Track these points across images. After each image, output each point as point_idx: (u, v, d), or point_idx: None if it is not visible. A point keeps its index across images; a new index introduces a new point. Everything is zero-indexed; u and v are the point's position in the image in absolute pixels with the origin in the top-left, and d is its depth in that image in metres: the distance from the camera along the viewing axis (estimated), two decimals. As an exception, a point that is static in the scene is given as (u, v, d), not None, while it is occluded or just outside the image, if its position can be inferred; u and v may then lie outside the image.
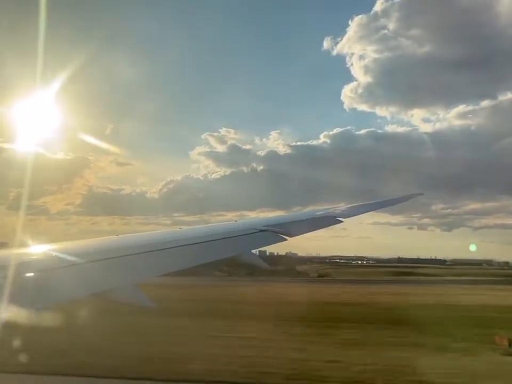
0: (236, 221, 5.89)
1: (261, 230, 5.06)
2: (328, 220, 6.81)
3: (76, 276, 3.38)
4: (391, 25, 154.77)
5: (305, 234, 5.76)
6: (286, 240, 5.24)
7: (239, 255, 4.63)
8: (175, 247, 4.38)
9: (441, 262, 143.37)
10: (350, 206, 9.40)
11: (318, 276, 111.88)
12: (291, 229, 5.53)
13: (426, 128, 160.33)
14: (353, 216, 8.05)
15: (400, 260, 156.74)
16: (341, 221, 7.21)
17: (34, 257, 3.74)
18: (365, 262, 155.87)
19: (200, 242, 4.57)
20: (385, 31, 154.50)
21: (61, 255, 3.65)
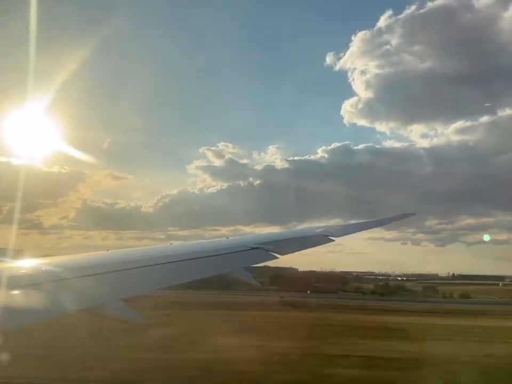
0: (227, 237, 5.88)
1: (252, 248, 5.04)
2: (320, 239, 6.82)
3: (62, 291, 3.34)
4: (394, 41, 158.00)
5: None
6: (277, 258, 5.22)
7: (229, 273, 4.60)
8: (165, 263, 4.35)
9: (499, 279, 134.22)
10: (343, 225, 9.45)
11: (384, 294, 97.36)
12: (282, 247, 5.52)
13: (423, 143, 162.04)
14: (346, 235, 8.09)
15: (454, 276, 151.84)
16: (333, 240, 7.23)
17: (20, 271, 3.69)
18: (391, 278, 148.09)
19: (190, 259, 4.54)
20: (388, 46, 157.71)
21: (48, 270, 3.61)
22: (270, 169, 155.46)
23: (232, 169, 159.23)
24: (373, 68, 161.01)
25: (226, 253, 4.82)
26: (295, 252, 5.76)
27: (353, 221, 10.50)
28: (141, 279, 4.08)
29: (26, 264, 3.93)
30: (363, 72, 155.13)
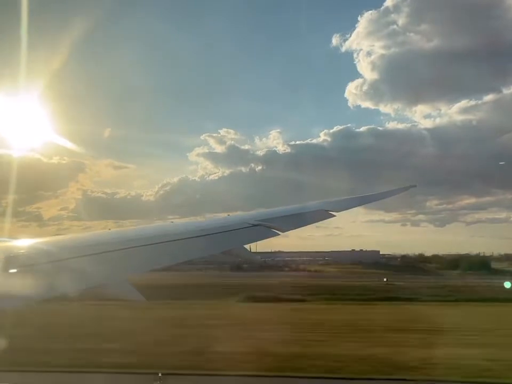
0: (228, 215, 5.88)
1: (254, 225, 5.05)
2: (321, 214, 6.80)
3: (65, 271, 3.35)
4: (401, 21, 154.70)
5: (299, 233, 5.77)
6: (279, 234, 5.24)
7: (231, 250, 4.63)
8: (166, 241, 4.36)
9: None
10: (343, 199, 9.41)
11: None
12: (283, 223, 5.53)
13: (426, 124, 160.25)
14: (346, 209, 8.07)
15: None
16: (334, 215, 7.21)
17: (23, 250, 3.69)
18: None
19: (191, 237, 4.55)
20: (394, 26, 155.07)
21: (50, 249, 3.62)
22: (271, 154, 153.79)
23: (234, 156, 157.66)
24: (378, 48, 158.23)
25: (227, 231, 4.83)
26: (296, 228, 5.77)
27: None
28: (142, 257, 4.07)
29: (26, 243, 3.92)
30: (368, 53, 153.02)
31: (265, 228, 5.13)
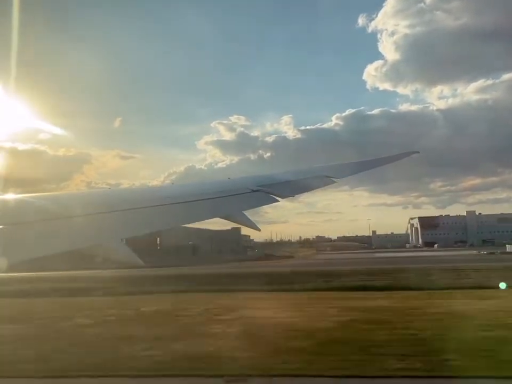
0: (229, 178, 5.80)
1: (253, 191, 4.99)
2: (322, 180, 6.74)
3: (58, 229, 3.30)
4: None
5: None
6: (278, 201, 5.19)
7: (229, 215, 4.59)
8: (165, 204, 4.31)
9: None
10: (344, 163, 9.29)
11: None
12: (284, 189, 5.47)
13: (440, 104, 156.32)
14: (348, 176, 8.00)
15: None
16: (335, 181, 7.14)
17: (13, 207, 3.61)
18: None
19: (191, 201, 4.50)
20: (422, 4, 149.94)
21: (46, 206, 3.56)
22: (281, 140, 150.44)
23: (243, 142, 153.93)
24: (403, 28, 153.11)
25: (226, 196, 4.77)
26: (296, 194, 5.72)
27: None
28: (139, 219, 4.03)
29: (20, 199, 3.84)
30: (392, 33, 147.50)
31: (265, 193, 5.08)
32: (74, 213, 3.55)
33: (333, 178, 7.06)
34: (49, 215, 3.39)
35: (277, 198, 5.18)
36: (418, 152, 11.57)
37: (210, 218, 4.49)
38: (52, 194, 4.36)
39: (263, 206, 5.00)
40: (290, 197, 5.48)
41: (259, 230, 4.63)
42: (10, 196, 3.90)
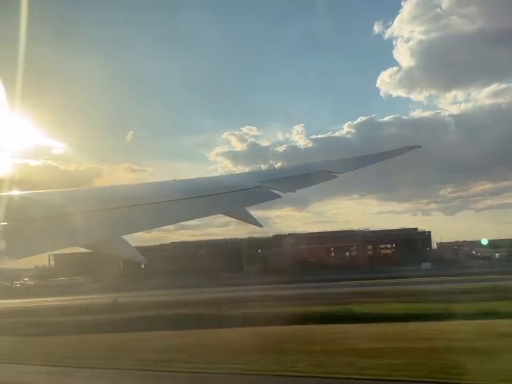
0: (231, 174, 5.83)
1: (255, 187, 5.01)
2: (323, 175, 6.74)
3: (62, 226, 3.33)
4: (445, 4, 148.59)
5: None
6: (280, 197, 5.21)
7: (231, 212, 4.62)
8: (167, 201, 4.33)
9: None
10: (344, 158, 9.29)
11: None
12: (285, 185, 5.48)
13: (453, 110, 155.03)
14: (349, 171, 7.98)
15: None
16: (336, 176, 7.15)
17: (21, 203, 3.64)
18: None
19: (193, 197, 4.52)
20: (438, 9, 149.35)
21: (50, 203, 3.59)
22: (292, 149, 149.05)
23: (254, 153, 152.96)
24: (418, 34, 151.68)
25: (227, 192, 4.79)
26: (298, 189, 5.73)
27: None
28: (141, 216, 4.05)
29: (28, 196, 3.87)
30: (407, 39, 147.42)
31: (266, 189, 5.09)
32: (74, 210, 3.58)
33: (333, 173, 7.07)
34: (53, 212, 3.43)
35: (279, 194, 5.20)
36: (419, 146, 11.56)
37: (212, 215, 4.52)
38: (56, 191, 4.40)
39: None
40: (293, 197, 5.50)
41: (261, 226, 4.66)
42: (15, 193, 3.93)
